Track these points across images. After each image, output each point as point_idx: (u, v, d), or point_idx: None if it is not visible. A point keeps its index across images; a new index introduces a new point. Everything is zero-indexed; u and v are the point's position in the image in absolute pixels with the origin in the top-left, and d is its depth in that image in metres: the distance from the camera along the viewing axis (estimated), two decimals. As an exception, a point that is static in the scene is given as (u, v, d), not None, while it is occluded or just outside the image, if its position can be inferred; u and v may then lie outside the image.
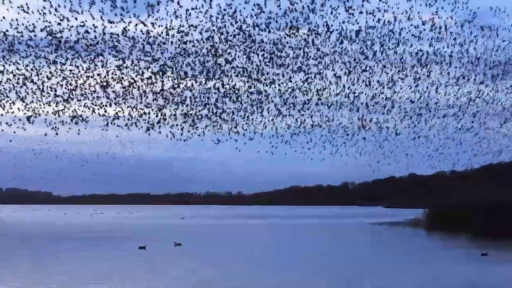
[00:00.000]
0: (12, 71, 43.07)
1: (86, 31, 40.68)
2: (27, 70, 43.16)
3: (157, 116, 48.55)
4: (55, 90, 44.96)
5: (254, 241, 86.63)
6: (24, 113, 44.97)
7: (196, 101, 50.11)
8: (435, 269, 50.04)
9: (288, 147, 56.89)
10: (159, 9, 40.62)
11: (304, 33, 45.41)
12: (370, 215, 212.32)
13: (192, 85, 48.08)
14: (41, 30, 40.34)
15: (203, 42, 44.89)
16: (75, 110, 46.89)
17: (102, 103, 47.96)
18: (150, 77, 45.67)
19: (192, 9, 41.11)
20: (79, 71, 43.85)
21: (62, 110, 46.81)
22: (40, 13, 39.49)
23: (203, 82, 47.89)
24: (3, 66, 42.44)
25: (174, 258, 59.80)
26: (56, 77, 44.67)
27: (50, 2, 38.68)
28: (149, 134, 49.78)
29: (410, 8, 44.52)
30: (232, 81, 48.16)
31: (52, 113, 46.36)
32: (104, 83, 45.23)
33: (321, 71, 49.79)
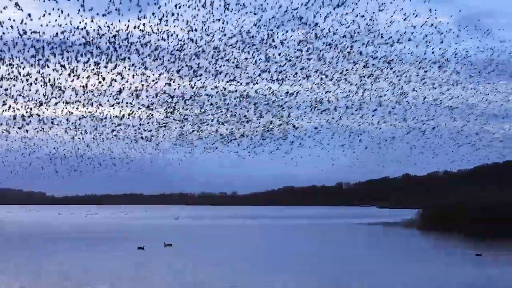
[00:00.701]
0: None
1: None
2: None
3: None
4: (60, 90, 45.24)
5: (249, 242, 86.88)
6: (20, 113, 45.12)
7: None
8: (430, 270, 50.43)
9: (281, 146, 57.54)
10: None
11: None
12: (365, 216, 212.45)
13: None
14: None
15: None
16: (69, 111, 47.25)
17: (99, 104, 48.34)
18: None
19: None
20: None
21: (58, 111, 47.22)
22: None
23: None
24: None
25: (172, 259, 60.07)
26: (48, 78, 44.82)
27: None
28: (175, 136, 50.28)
29: None
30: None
31: (48, 113, 46.74)
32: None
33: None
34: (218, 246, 77.02)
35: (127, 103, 49.76)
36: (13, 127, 48.62)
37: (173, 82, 49.08)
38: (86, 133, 53.77)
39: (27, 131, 48.80)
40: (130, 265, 53.40)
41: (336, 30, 49.49)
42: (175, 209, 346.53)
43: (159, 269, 50.42)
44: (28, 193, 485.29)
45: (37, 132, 51.27)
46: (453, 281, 44.67)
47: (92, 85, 46.84)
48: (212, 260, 58.23)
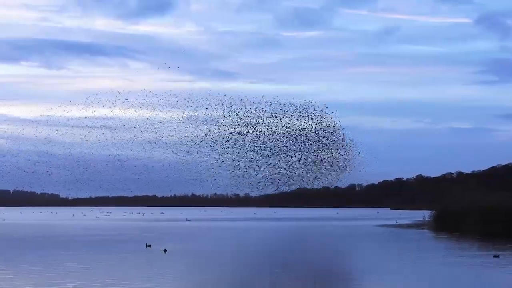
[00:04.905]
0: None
1: None
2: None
3: None
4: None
5: (255, 243, 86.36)
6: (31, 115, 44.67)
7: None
8: (445, 272, 49.43)
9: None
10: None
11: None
12: (378, 217, 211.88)
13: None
14: None
15: None
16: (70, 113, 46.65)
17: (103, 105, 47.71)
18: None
19: None
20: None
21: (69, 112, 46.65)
22: None
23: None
24: None
25: (178, 260, 59.44)
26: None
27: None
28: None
29: None
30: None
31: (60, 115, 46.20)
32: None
33: None
34: (230, 247, 76.49)
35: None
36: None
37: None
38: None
39: None
40: (138, 266, 52.79)
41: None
42: (188, 210, 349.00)
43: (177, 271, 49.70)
44: (42, 195, 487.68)
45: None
46: (472, 283, 43.67)
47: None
48: (223, 262, 57.63)
